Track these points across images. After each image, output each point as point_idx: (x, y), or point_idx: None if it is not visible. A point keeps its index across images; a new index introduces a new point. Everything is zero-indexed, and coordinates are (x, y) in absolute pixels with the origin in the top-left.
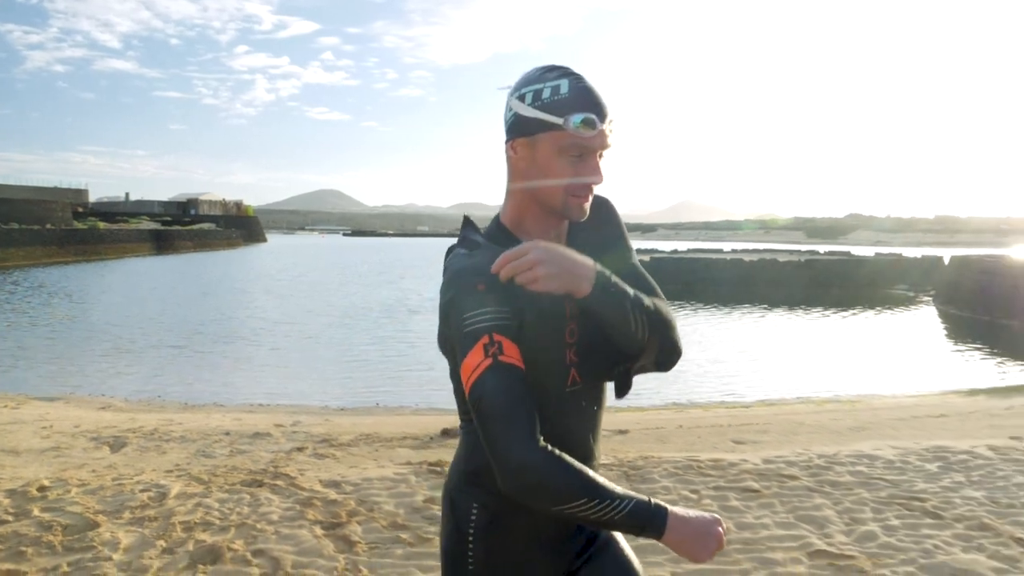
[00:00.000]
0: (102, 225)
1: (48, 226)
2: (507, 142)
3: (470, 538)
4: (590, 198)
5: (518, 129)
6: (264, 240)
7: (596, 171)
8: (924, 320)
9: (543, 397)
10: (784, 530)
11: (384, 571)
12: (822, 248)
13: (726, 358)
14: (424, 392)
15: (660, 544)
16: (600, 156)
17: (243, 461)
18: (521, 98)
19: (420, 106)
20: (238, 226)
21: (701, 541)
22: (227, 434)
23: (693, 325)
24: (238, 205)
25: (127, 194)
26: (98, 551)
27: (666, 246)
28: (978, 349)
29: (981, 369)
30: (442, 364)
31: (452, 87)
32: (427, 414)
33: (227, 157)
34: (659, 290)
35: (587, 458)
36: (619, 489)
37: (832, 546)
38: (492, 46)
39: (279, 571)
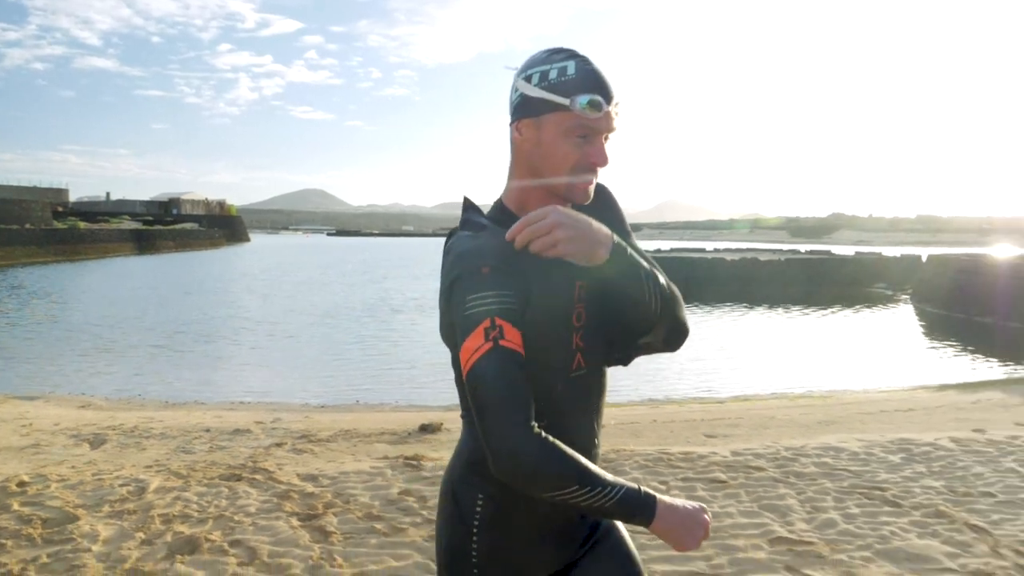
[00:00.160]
0: (82, 225)
1: (27, 226)
2: (512, 123)
3: (474, 530)
4: (595, 181)
5: (524, 110)
6: (247, 240)
7: (602, 153)
8: (901, 318)
9: (549, 382)
10: (747, 518)
11: (358, 560)
12: (804, 247)
13: (705, 356)
14: (404, 390)
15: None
16: (606, 139)
17: (222, 456)
18: (528, 79)
19: (405, 105)
20: (221, 226)
21: (688, 529)
22: (207, 431)
23: None
24: (221, 205)
25: (108, 193)
26: (77, 543)
27: (650, 245)
28: (952, 346)
29: (953, 365)
30: (423, 362)
31: (437, 86)
32: (406, 411)
33: (210, 156)
34: (663, 272)
35: (590, 444)
36: (610, 476)
37: (793, 533)
38: (477, 46)
39: (255, 560)
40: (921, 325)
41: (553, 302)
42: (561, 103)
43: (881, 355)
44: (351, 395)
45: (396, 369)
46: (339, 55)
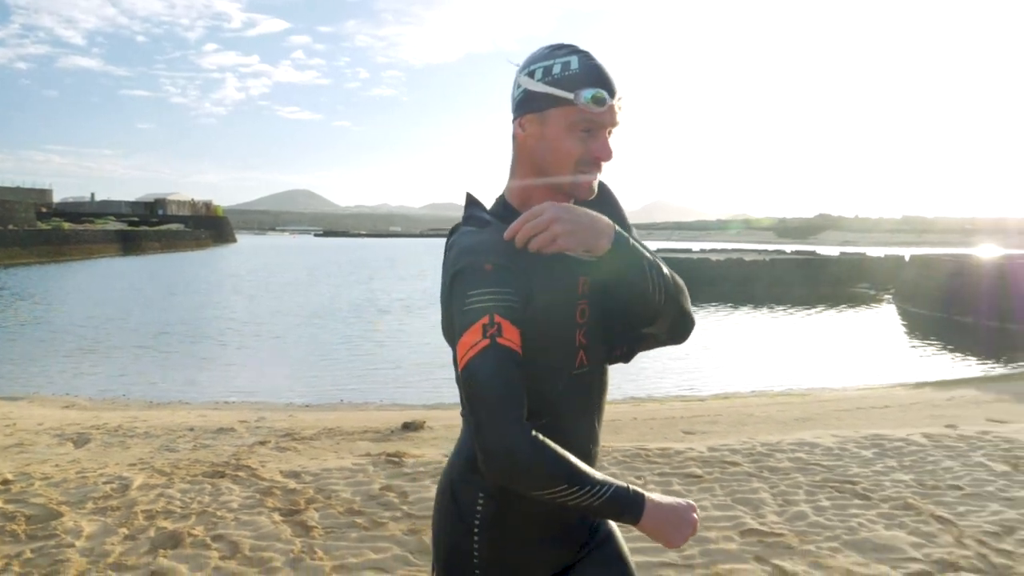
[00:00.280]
0: (67, 226)
1: (10, 227)
2: (515, 120)
3: (475, 529)
4: (598, 175)
5: (527, 105)
6: (234, 241)
7: (606, 148)
8: (883, 317)
9: (552, 379)
10: (721, 511)
11: (339, 553)
12: (789, 248)
13: (688, 355)
14: (389, 389)
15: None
16: (609, 133)
17: (206, 454)
18: (531, 74)
19: (393, 106)
20: (207, 226)
21: (676, 527)
22: (191, 430)
23: None
24: (207, 205)
25: (93, 194)
26: (61, 539)
27: None
28: (931, 344)
29: (932, 363)
30: (408, 362)
31: (425, 87)
32: (390, 410)
33: (196, 157)
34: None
35: (590, 442)
36: (599, 475)
37: (764, 525)
38: (465, 46)
39: (237, 554)
40: (902, 324)
41: (556, 299)
42: (565, 97)
43: (862, 354)
44: (336, 395)
45: (381, 369)
46: (326, 55)
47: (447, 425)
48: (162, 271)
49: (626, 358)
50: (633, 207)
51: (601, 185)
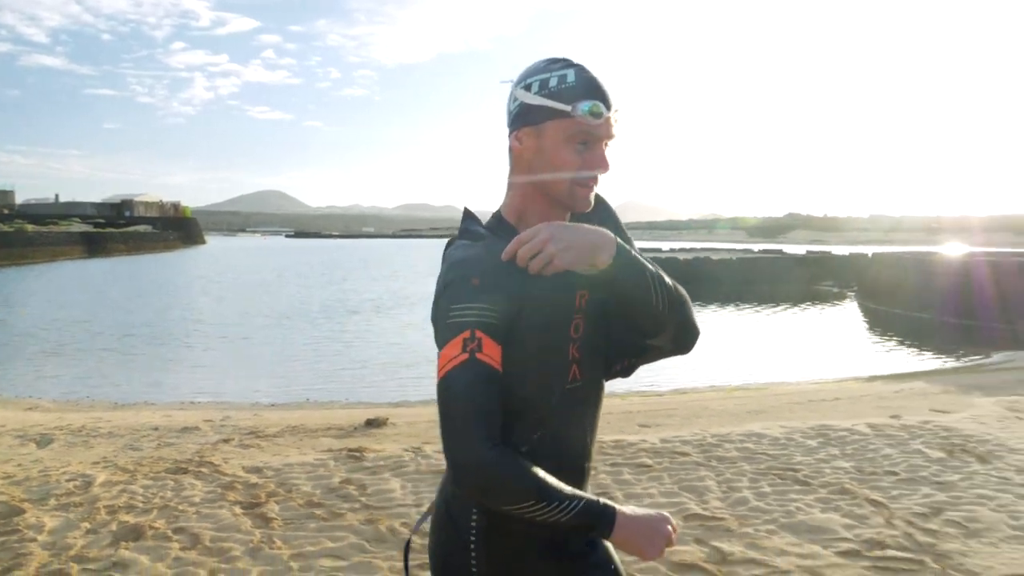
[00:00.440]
0: (30, 228)
1: None
2: (512, 133)
3: (472, 545)
4: (596, 187)
5: (524, 118)
6: (203, 242)
7: (602, 160)
8: (845, 314)
9: (544, 393)
10: (667, 499)
11: (297, 542)
12: (757, 247)
13: None
14: (355, 389)
15: None
16: (605, 146)
17: (170, 452)
18: (527, 88)
19: (365, 106)
20: (175, 228)
21: (648, 539)
22: (155, 429)
23: None
24: (175, 206)
25: (57, 195)
26: (23, 533)
27: None
28: (889, 339)
29: (888, 358)
30: (376, 361)
31: (397, 87)
32: (355, 408)
33: (164, 157)
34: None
35: (583, 456)
36: (568, 490)
37: (706, 510)
38: (437, 46)
39: (198, 545)
40: (863, 321)
41: (551, 313)
42: (562, 110)
43: (821, 349)
44: (302, 394)
45: (349, 369)
46: (297, 55)
47: (410, 422)
48: (129, 273)
49: (625, 373)
50: None
51: (599, 200)
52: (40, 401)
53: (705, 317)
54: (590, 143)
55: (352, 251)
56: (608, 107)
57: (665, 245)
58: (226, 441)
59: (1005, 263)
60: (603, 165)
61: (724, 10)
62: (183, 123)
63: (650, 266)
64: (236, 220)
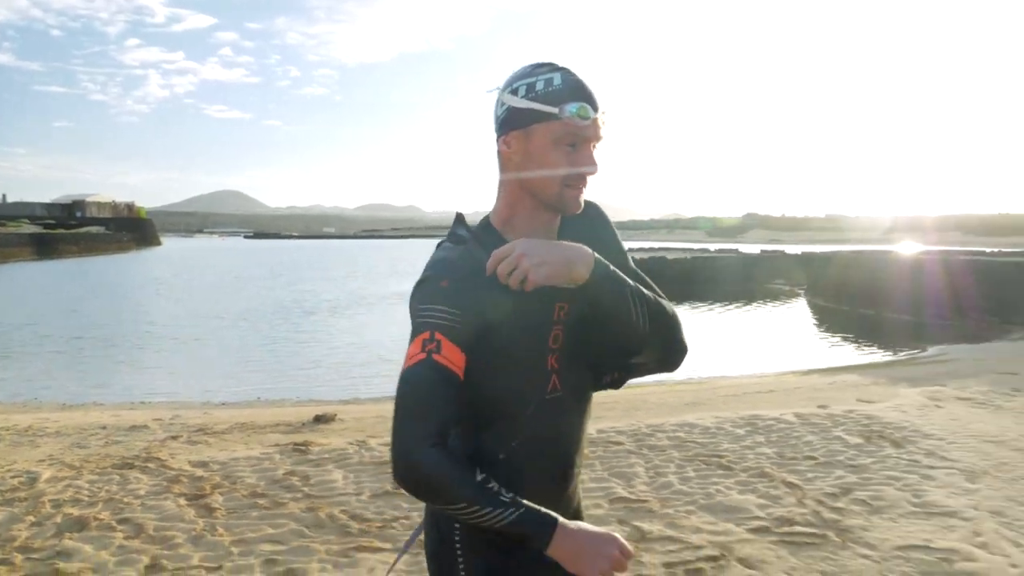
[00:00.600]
0: None
1: None
2: (500, 138)
3: (457, 547)
4: (584, 189)
5: (512, 122)
6: (158, 244)
7: (591, 161)
8: (795, 311)
9: (521, 401)
10: (596, 484)
11: (239, 529)
12: (713, 247)
13: None
14: (308, 387)
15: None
16: (593, 147)
17: (117, 450)
18: (514, 92)
19: (325, 105)
20: (129, 229)
21: (589, 558)
22: (103, 428)
23: None
24: (129, 207)
25: (4, 196)
26: None
27: None
28: (834, 335)
29: (829, 352)
30: (330, 361)
31: (358, 86)
32: (306, 405)
33: (118, 156)
34: (659, 291)
35: (566, 466)
36: (507, 498)
37: (632, 494)
38: (398, 45)
39: (141, 534)
40: (811, 317)
41: (528, 323)
42: (550, 112)
43: (767, 345)
44: (253, 393)
45: (302, 369)
46: (256, 52)
47: (358, 418)
48: (80, 275)
49: (616, 385)
50: None
51: (591, 205)
52: None
53: None
54: (578, 145)
55: (312, 252)
56: (595, 109)
57: (625, 244)
58: (174, 438)
59: (953, 260)
60: (592, 166)
61: (685, 12)
62: (137, 122)
63: (630, 283)
64: (193, 221)
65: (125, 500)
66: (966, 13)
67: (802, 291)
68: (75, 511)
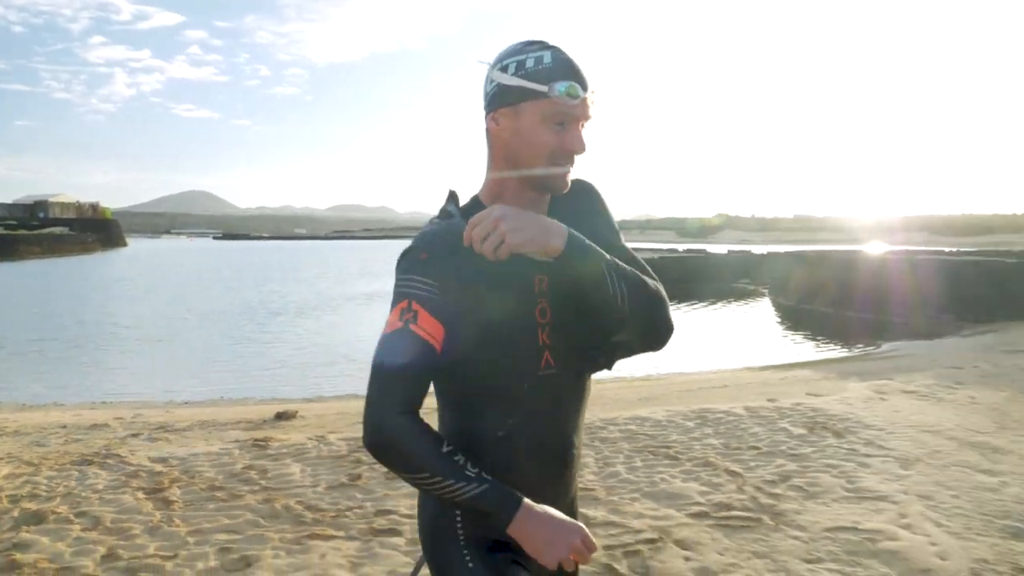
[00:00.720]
0: None
1: None
2: (488, 114)
3: (459, 529)
4: (572, 168)
5: (501, 99)
6: (124, 245)
7: (579, 140)
8: (758, 310)
9: (516, 379)
10: None
11: (195, 520)
12: (682, 247)
13: None
14: (272, 386)
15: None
16: (581, 127)
17: (76, 447)
18: (504, 69)
19: (296, 105)
20: (94, 230)
21: (548, 542)
22: (64, 427)
23: None
24: (94, 207)
25: None
26: None
27: None
28: (795, 333)
29: (788, 349)
30: (295, 361)
31: (329, 86)
32: (269, 404)
33: (83, 156)
34: (650, 270)
35: (564, 447)
36: (472, 473)
37: (579, 483)
38: (370, 45)
39: (99, 526)
40: (773, 315)
41: (511, 297)
42: (540, 90)
43: (728, 343)
44: (217, 393)
45: (267, 369)
46: (224, 51)
47: (319, 415)
48: (42, 277)
49: (607, 364)
50: None
51: (588, 187)
52: None
53: None
54: (567, 124)
55: (282, 253)
56: (584, 88)
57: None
58: (135, 436)
59: (913, 260)
60: (580, 145)
61: (657, 14)
62: (103, 121)
63: (608, 258)
64: (161, 222)
65: (83, 494)
66: (932, 20)
67: (766, 290)
68: (33, 505)
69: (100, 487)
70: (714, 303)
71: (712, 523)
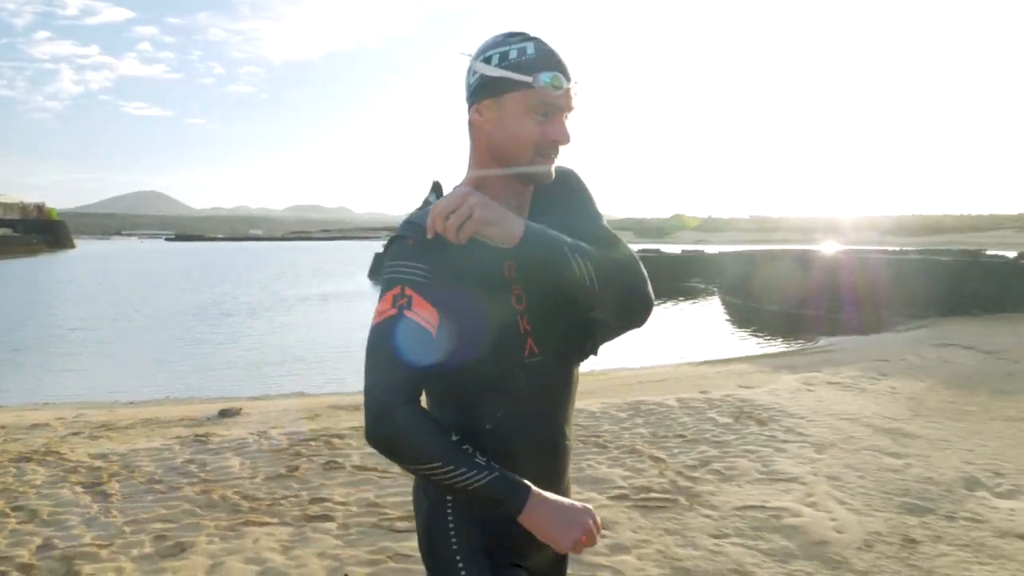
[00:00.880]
0: None
1: None
2: (472, 106)
3: (449, 516)
4: (556, 158)
5: (484, 91)
6: (72, 246)
7: (563, 131)
8: (708, 308)
9: (500, 367)
10: None
11: (132, 511)
12: (637, 247)
13: None
14: (220, 385)
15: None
16: (566, 118)
17: (15, 446)
18: (487, 60)
19: (251, 103)
20: (40, 231)
21: (562, 527)
22: (3, 427)
23: None
24: (39, 208)
25: None
26: None
27: None
28: (740, 330)
29: (730, 345)
30: (244, 361)
31: (286, 84)
32: (215, 402)
33: (28, 155)
34: (628, 249)
35: (554, 435)
36: (482, 461)
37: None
38: (327, 43)
39: (35, 519)
40: (722, 313)
41: (484, 281)
42: (523, 81)
43: (674, 339)
44: (163, 393)
45: (216, 369)
46: (177, 48)
47: (263, 411)
48: None
49: (593, 351)
50: None
51: (568, 173)
52: None
53: None
54: (551, 114)
55: (237, 254)
56: (567, 79)
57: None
58: (75, 434)
59: (853, 258)
60: (564, 136)
61: (615, 14)
62: (49, 119)
63: (569, 239)
64: (112, 223)
65: (20, 490)
66: (886, 22)
67: (716, 289)
68: None
69: (38, 483)
70: (664, 302)
71: (630, 504)
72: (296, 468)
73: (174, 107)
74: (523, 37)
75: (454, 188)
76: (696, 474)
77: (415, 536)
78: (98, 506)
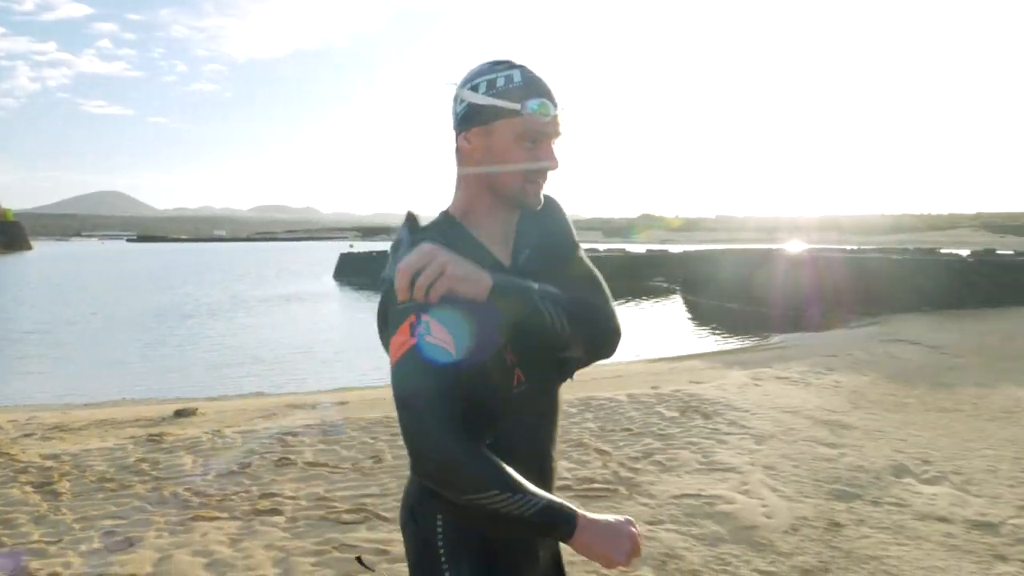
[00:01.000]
0: None
1: None
2: (460, 134)
3: (440, 550)
4: (544, 184)
5: (473, 119)
6: (28, 248)
7: (551, 157)
8: (670, 306)
9: (490, 399)
10: None
11: (83, 509)
12: (603, 247)
13: None
14: (177, 386)
15: None
16: (553, 143)
17: None
18: (474, 88)
19: (215, 102)
20: None
21: (614, 542)
22: None
23: None
24: None
25: None
26: None
27: None
28: (700, 327)
29: (688, 342)
30: (204, 362)
31: (251, 83)
32: (171, 403)
33: None
34: (601, 282)
35: (543, 462)
36: (531, 487)
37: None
38: (293, 42)
39: None
40: (683, 312)
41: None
42: (512, 108)
43: (634, 338)
44: (119, 394)
45: (174, 371)
46: (138, 45)
47: (219, 411)
48: None
49: (569, 374)
50: None
51: (548, 199)
52: None
53: None
54: (539, 141)
55: (201, 255)
56: (555, 106)
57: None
58: (27, 436)
59: (813, 257)
60: (553, 162)
61: (582, 14)
62: (4, 116)
63: (535, 286)
64: (71, 224)
65: None
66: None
67: (678, 287)
68: None
69: None
70: (627, 301)
71: (572, 495)
72: (248, 465)
73: (135, 105)
74: (509, 65)
75: (419, 244)
76: (638, 465)
77: (361, 527)
78: (47, 504)
